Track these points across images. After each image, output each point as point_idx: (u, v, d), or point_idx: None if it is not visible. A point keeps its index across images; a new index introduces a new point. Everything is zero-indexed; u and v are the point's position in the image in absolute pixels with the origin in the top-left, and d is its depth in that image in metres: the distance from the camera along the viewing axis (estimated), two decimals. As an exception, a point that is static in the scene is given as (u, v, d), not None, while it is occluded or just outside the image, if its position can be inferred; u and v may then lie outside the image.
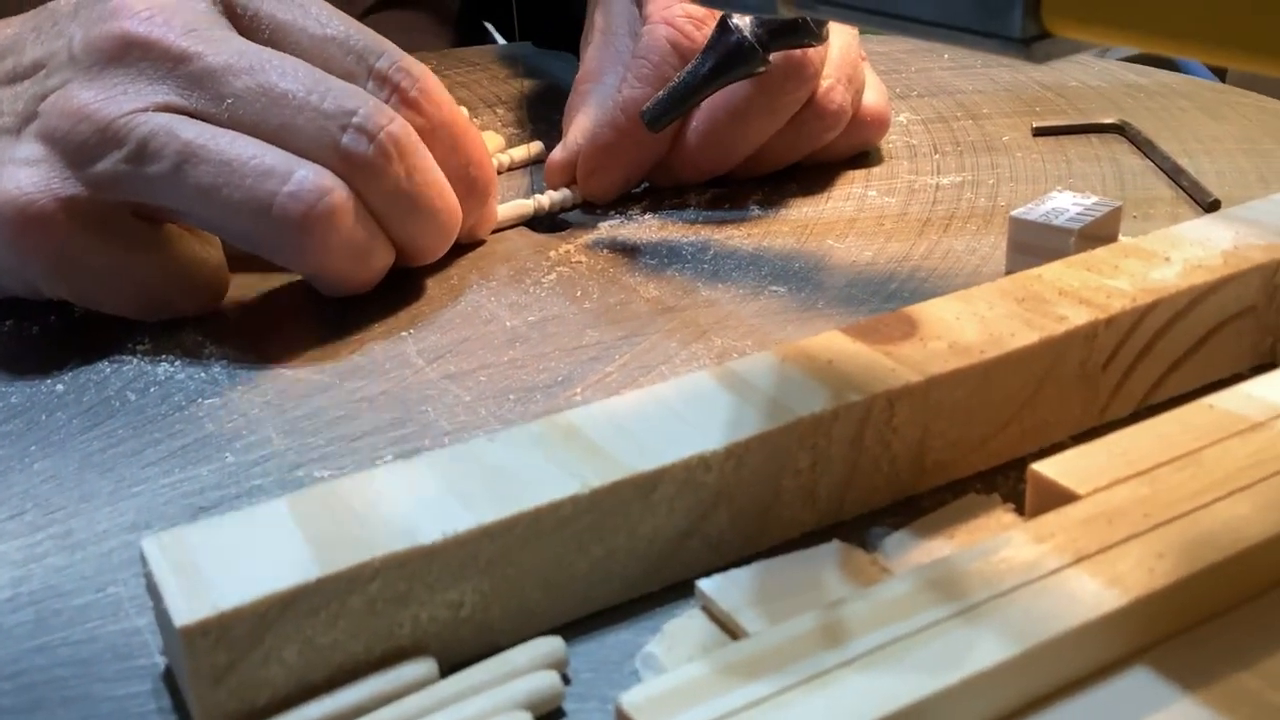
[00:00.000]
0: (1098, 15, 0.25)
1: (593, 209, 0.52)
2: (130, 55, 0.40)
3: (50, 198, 0.40)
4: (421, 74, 0.43)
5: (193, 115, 0.40)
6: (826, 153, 0.54)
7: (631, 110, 0.49)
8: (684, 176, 0.53)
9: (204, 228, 0.42)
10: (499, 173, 0.56)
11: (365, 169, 0.41)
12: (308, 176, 0.39)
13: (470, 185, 0.46)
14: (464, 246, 0.48)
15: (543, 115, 0.63)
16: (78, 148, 0.40)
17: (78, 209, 0.40)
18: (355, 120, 0.40)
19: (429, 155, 0.43)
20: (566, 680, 0.28)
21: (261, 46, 0.42)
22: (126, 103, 0.40)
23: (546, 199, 0.51)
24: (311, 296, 0.45)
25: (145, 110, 0.40)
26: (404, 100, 0.43)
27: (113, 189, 0.40)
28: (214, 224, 0.41)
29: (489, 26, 0.86)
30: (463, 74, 0.71)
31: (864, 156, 0.56)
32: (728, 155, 0.52)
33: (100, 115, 0.39)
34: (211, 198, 0.39)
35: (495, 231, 0.50)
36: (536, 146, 0.57)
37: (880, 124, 0.55)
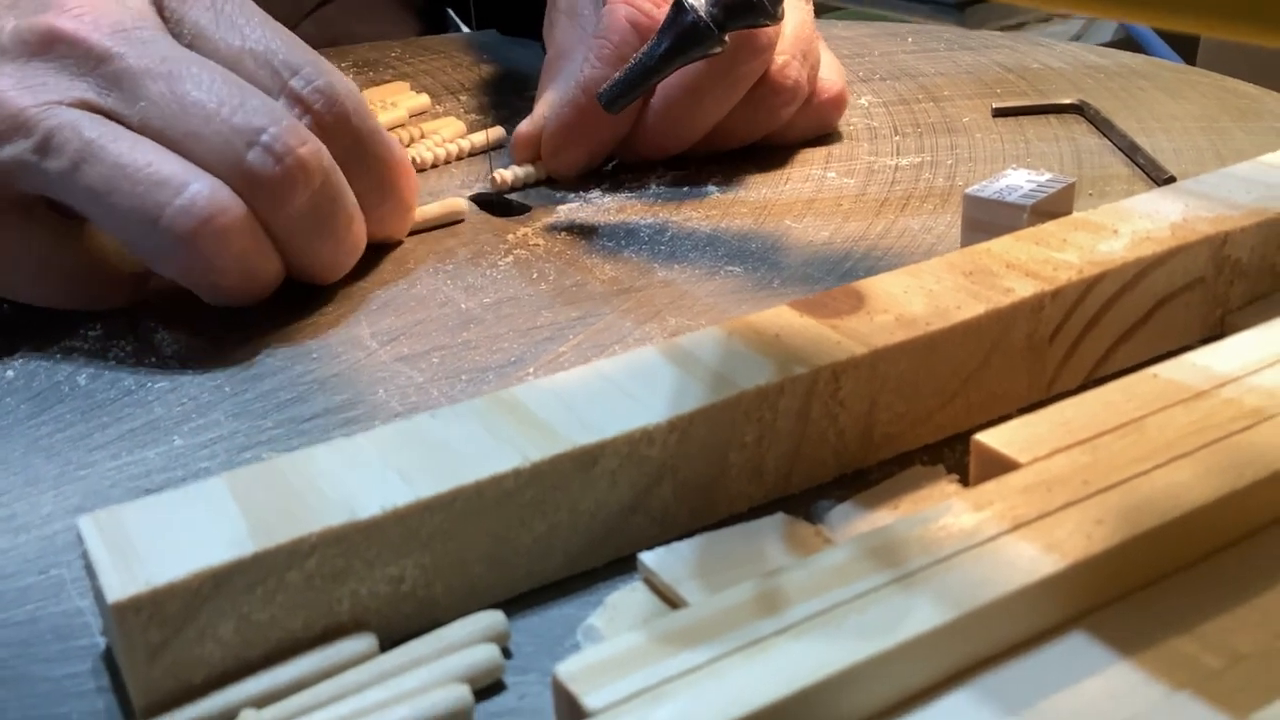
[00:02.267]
0: (1026, -21, 0.25)
1: (555, 187, 0.52)
2: (55, 50, 0.40)
3: None
4: (339, 95, 0.42)
5: (107, 115, 0.40)
6: (786, 133, 0.54)
7: (592, 89, 0.49)
8: (647, 153, 0.53)
9: (103, 229, 0.41)
10: (459, 158, 0.56)
11: (268, 189, 0.39)
12: (202, 191, 0.38)
13: (385, 195, 0.45)
14: (384, 245, 0.47)
15: (504, 102, 0.63)
16: None
17: None
18: (264, 138, 0.39)
19: (341, 181, 0.42)
20: (508, 654, 0.28)
21: (191, 54, 0.41)
22: (42, 94, 0.39)
23: (510, 174, 0.51)
24: (266, 281, 0.45)
25: (59, 104, 0.39)
26: (318, 123, 0.41)
27: (16, 178, 0.39)
28: (107, 228, 0.40)
29: (452, 14, 0.86)
30: (426, 61, 0.70)
31: (824, 138, 0.56)
32: (688, 131, 0.52)
33: (13, 103, 0.39)
34: (102, 201, 0.38)
35: (426, 230, 0.49)
36: (496, 132, 0.57)
37: (838, 103, 0.55)
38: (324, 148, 0.41)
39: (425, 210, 0.49)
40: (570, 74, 0.51)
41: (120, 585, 0.25)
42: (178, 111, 0.39)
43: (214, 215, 0.38)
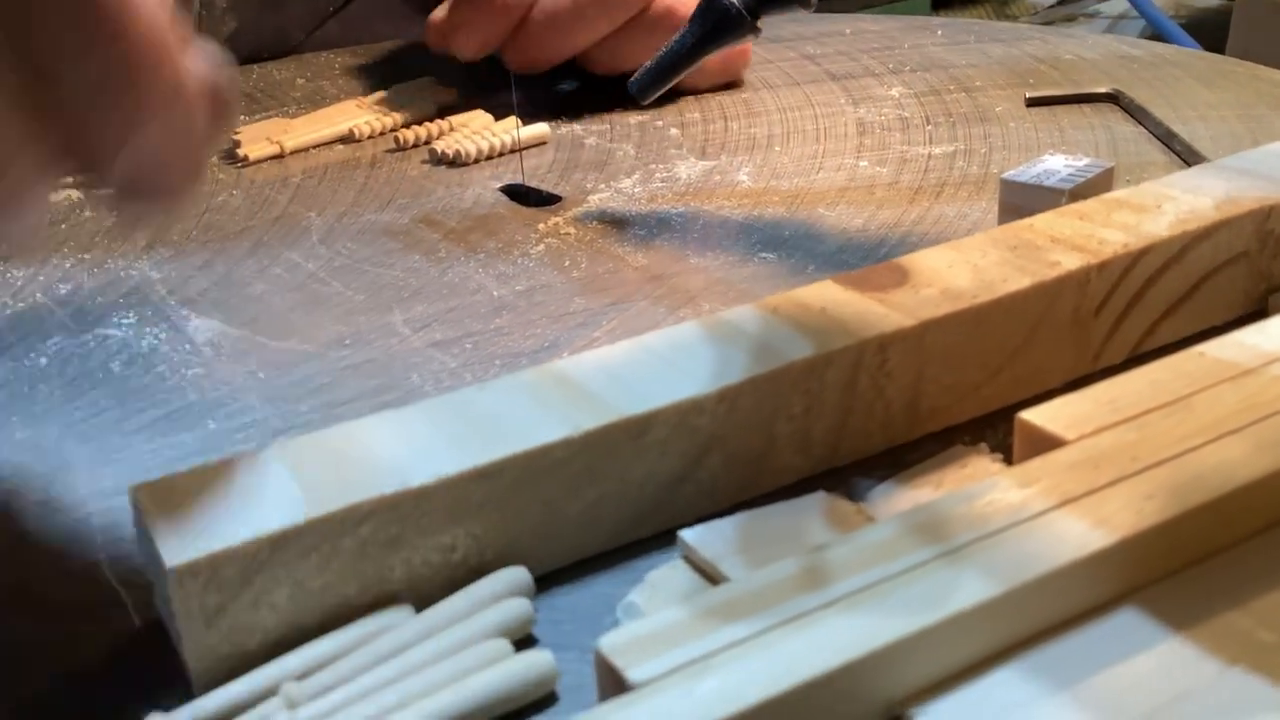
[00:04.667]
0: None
1: (576, 172, 0.52)
2: None
3: None
4: None
5: None
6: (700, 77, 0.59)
7: None
8: (522, 59, 0.59)
9: None
10: (500, 154, 0.55)
11: None
12: None
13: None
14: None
15: (533, 97, 0.63)
16: None
17: None
18: None
19: None
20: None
21: None
22: None
23: (473, 146, 0.55)
24: (298, 271, 0.45)
25: None
26: None
27: None
28: None
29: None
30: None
31: (855, 126, 0.56)
32: (562, 44, 0.58)
33: None
34: None
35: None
36: (537, 130, 0.57)
37: (739, 53, 0.60)
38: None
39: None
40: None
41: (178, 550, 0.25)
42: None
43: None
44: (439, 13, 0.59)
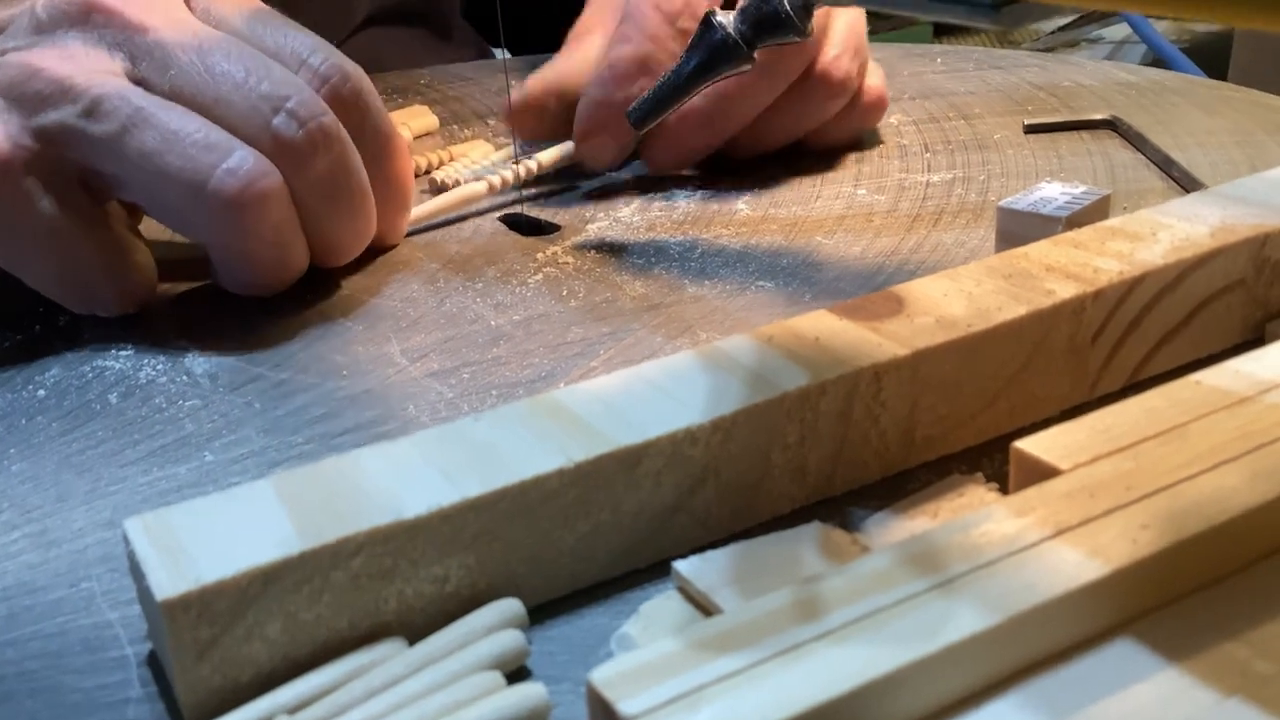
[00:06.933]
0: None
1: (584, 203, 0.52)
2: (91, 21, 0.42)
3: (4, 139, 0.40)
4: (352, 73, 0.44)
5: (139, 84, 0.41)
6: (828, 133, 0.55)
7: (619, 68, 0.50)
8: (674, 155, 0.53)
9: (139, 199, 0.42)
10: (528, 181, 0.55)
11: (293, 153, 0.41)
12: (246, 158, 0.40)
13: (388, 193, 0.46)
14: (378, 250, 0.49)
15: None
16: (32, 98, 0.41)
17: (29, 156, 0.40)
18: (288, 105, 0.41)
19: (356, 155, 0.43)
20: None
21: (219, 31, 0.43)
22: (85, 63, 0.41)
23: (548, 156, 0.53)
24: (298, 302, 0.45)
25: (101, 74, 0.41)
26: (334, 96, 0.43)
27: (60, 143, 0.40)
28: (149, 193, 0.41)
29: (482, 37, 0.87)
30: (455, 87, 0.71)
31: (854, 155, 0.56)
32: (720, 130, 0.52)
33: (57, 72, 0.41)
34: (151, 162, 0.40)
35: (441, 225, 0.51)
36: (567, 147, 0.57)
37: (880, 105, 0.55)
38: (339, 122, 0.42)
39: (440, 200, 0.51)
40: (586, 53, 0.53)
41: (169, 583, 0.25)
42: (208, 80, 0.41)
43: (256, 179, 0.40)
44: (520, 96, 0.53)
